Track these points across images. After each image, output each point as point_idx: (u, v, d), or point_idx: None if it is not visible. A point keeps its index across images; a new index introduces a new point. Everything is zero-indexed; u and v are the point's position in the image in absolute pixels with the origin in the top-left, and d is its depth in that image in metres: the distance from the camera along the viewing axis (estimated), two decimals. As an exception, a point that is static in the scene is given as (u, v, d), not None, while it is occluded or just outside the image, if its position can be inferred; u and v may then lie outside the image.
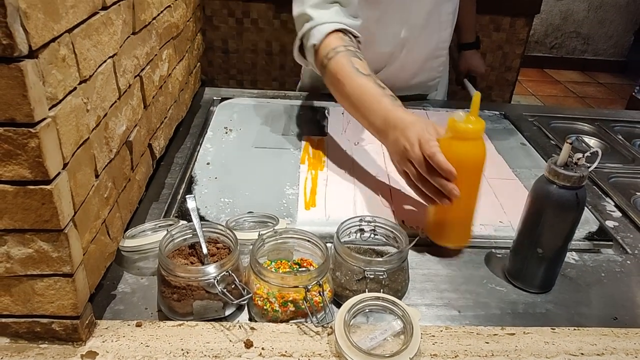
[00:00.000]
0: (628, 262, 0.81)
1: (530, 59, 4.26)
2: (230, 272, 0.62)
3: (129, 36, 0.72)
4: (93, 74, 0.59)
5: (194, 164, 0.98)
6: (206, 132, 1.11)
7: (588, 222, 0.87)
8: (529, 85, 4.07)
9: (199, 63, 1.22)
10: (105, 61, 0.63)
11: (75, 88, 0.54)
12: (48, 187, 0.49)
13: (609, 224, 0.90)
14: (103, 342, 0.58)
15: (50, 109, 0.49)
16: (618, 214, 0.94)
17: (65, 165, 0.52)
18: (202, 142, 1.07)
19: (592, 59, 4.47)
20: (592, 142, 1.25)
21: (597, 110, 1.53)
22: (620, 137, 1.26)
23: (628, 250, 0.84)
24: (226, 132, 1.11)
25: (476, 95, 0.71)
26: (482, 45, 2.10)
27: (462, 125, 0.70)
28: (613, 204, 0.96)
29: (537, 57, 4.38)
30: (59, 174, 0.50)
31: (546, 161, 1.06)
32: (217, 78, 2.07)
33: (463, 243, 0.78)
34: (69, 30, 0.52)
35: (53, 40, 0.49)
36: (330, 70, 0.92)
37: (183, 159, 1.01)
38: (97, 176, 0.61)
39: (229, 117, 1.18)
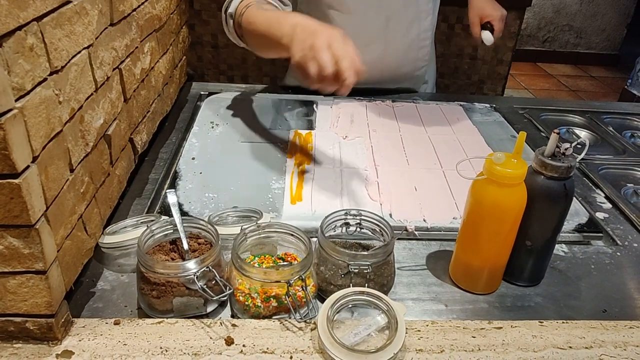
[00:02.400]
0: (618, 254, 0.80)
1: (523, 52, 4.25)
2: (211, 267, 0.61)
3: (106, 27, 0.70)
4: (66, 64, 0.57)
5: (179, 159, 0.97)
6: (192, 126, 1.09)
7: (578, 214, 0.86)
8: (521, 79, 4.06)
9: (184, 57, 1.20)
10: (79, 52, 0.61)
11: (45, 79, 0.52)
12: (16, 181, 0.47)
13: (599, 215, 0.89)
14: (79, 341, 0.57)
15: (17, 100, 0.47)
16: (608, 205, 0.92)
17: (35, 158, 0.50)
18: (187, 137, 1.05)
19: (584, 52, 4.47)
20: (582, 133, 1.24)
21: (587, 102, 1.53)
22: (611, 128, 1.25)
23: (618, 242, 0.83)
24: (212, 127, 1.09)
25: (521, 135, 0.63)
26: (472, 40, 2.10)
27: (501, 169, 0.61)
28: (603, 195, 0.95)
29: (529, 50, 4.38)
30: (27, 167, 0.49)
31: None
32: (207, 74, 2.04)
33: (491, 290, 0.71)
34: (38, 19, 0.50)
35: (19, 28, 0.47)
36: (243, 22, 0.93)
37: (168, 154, 0.99)
38: (72, 170, 0.59)
39: (215, 112, 1.16)
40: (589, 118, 1.29)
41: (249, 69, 2.08)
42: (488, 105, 1.30)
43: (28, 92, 0.49)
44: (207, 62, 2.03)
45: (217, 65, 2.04)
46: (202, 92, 1.27)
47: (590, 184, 0.98)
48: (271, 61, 2.14)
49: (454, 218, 0.83)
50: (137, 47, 0.83)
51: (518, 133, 1.14)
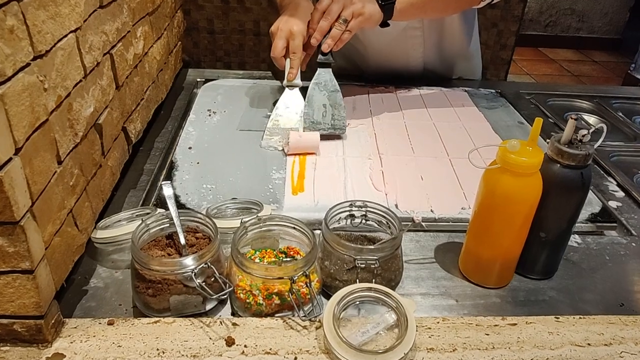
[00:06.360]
0: (633, 244, 0.77)
1: (525, 37, 4.19)
2: (210, 264, 0.57)
3: (95, 10, 0.66)
4: (51, 49, 0.53)
5: (175, 148, 0.93)
6: (188, 115, 1.05)
7: (591, 203, 0.83)
8: (523, 65, 4.01)
9: (179, 42, 1.15)
10: (66, 36, 0.57)
11: (28, 64, 0.48)
12: (-3, 175, 0.43)
13: (612, 204, 0.86)
14: (71, 342, 0.54)
15: (-4, 86, 0.43)
16: (621, 193, 0.89)
17: (18, 150, 0.46)
18: (184, 125, 1.01)
19: (587, 36, 4.41)
20: (591, 119, 1.21)
21: (595, 87, 1.48)
22: (620, 114, 1.21)
23: (633, 231, 0.80)
24: (209, 115, 1.05)
25: (537, 121, 0.59)
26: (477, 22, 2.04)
27: (515, 157, 0.58)
28: (615, 183, 0.92)
29: (531, 35, 4.31)
30: (10, 160, 0.45)
31: (545, 140, 1.03)
32: (204, 60, 2.00)
33: (503, 284, 0.68)
34: (18, -2, 0.46)
35: (-4, 8, 0.43)
36: None
37: (163, 143, 0.95)
38: (59, 162, 0.56)
39: (212, 99, 1.12)
40: (597, 103, 1.26)
41: (246, 56, 2.04)
42: (493, 91, 1.26)
43: (9, 78, 0.45)
44: (204, 48, 1.98)
45: (214, 52, 1.99)
46: (198, 79, 1.24)
47: (602, 172, 0.95)
48: (269, 47, 2.09)
49: (462, 208, 0.79)
50: (129, 32, 0.79)
51: (525, 119, 1.12)
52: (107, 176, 0.71)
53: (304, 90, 0.99)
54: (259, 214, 0.71)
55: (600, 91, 1.35)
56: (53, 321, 0.54)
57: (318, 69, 0.98)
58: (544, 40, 4.36)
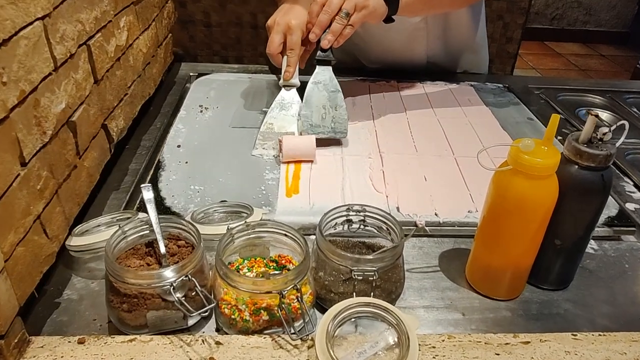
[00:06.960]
0: (654, 250, 0.71)
1: (531, 31, 4.11)
2: (191, 276, 0.52)
3: (69, -4, 0.60)
4: (10, 37, 0.47)
5: (164, 147, 0.87)
6: (179, 111, 1.00)
7: (607, 206, 0.77)
8: (529, 59, 3.93)
9: (170, 34, 1.10)
10: (31, 23, 0.51)
11: (-18, 54, 0.43)
12: (-59, 180, 0.38)
13: (629, 206, 0.80)
14: (36, 364, 0.48)
15: (-62, 79, 0.38)
16: (638, 195, 0.83)
17: (-32, 151, 0.41)
18: (173, 122, 0.96)
19: (594, 30, 4.32)
20: (604, 115, 1.14)
21: (607, 81, 1.42)
22: (635, 109, 1.15)
23: (653, 236, 0.74)
24: (201, 111, 1.00)
25: (553, 118, 0.53)
26: (484, 12, 1.97)
27: (529, 158, 0.52)
28: (632, 183, 0.86)
29: (537, 29, 4.23)
30: (-44, 163, 0.40)
31: (556, 137, 0.97)
32: (200, 54, 1.93)
33: (514, 295, 0.62)
34: (-34, -21, 0.41)
35: (-63, -11, 0.37)
36: None
37: (151, 141, 0.90)
38: (24, 164, 0.50)
39: (205, 95, 1.07)
40: (609, 98, 1.20)
41: (244, 49, 1.97)
42: (501, 85, 1.20)
43: (-45, 70, 0.40)
44: (200, 42, 1.92)
45: (210, 45, 1.93)
46: (191, 74, 1.18)
47: (618, 172, 0.89)
48: (267, 41, 2.03)
49: (468, 212, 0.74)
50: (110, 21, 0.73)
51: (535, 115, 1.06)
52: (83, 178, 0.65)
53: (301, 90, 0.91)
54: (249, 219, 0.65)
55: (612, 86, 1.28)
56: (16, 340, 0.48)
57: (317, 66, 0.90)
58: (550, 34, 4.28)
